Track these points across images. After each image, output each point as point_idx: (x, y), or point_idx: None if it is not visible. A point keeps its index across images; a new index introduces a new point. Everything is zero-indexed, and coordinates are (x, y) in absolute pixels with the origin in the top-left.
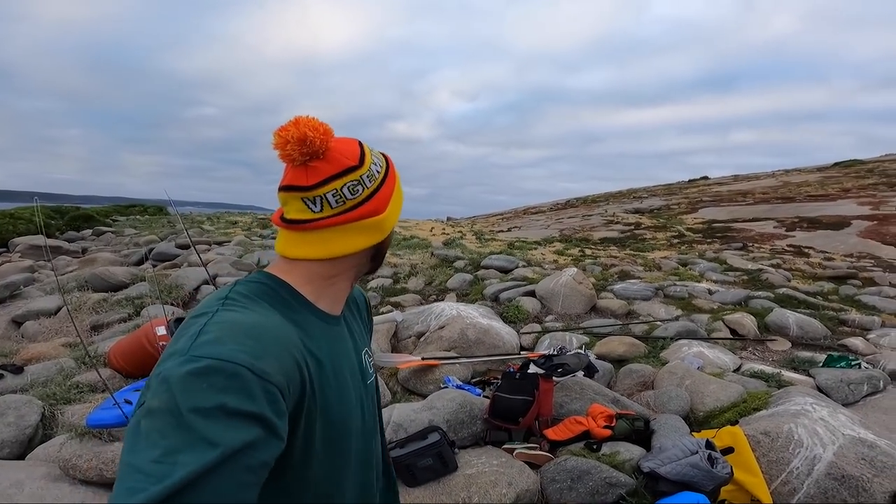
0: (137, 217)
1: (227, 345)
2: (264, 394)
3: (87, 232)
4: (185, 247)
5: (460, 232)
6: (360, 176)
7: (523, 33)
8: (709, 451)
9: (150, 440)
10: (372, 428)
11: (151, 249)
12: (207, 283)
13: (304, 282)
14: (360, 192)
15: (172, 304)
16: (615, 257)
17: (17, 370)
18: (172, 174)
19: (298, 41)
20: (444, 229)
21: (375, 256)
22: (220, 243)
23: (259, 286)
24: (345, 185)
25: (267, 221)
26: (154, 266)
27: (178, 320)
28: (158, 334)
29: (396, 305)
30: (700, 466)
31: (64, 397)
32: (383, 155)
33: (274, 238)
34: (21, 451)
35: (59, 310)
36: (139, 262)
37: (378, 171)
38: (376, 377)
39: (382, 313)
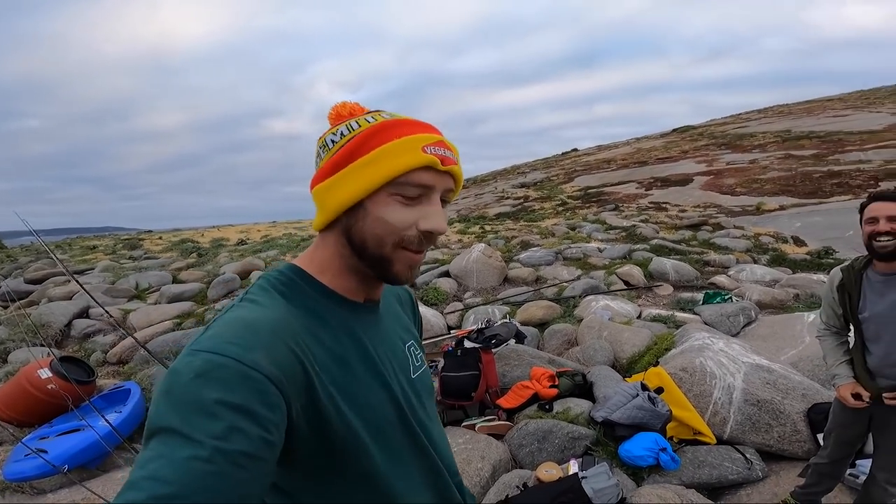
0: None
1: (221, 338)
2: (249, 384)
3: None
4: (36, 281)
5: None
6: (325, 138)
7: (404, 18)
8: (646, 392)
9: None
10: (423, 422)
11: None
12: (80, 317)
13: (317, 265)
14: (323, 155)
15: (42, 345)
16: (513, 229)
17: None
18: None
19: (146, 37)
20: None
21: (358, 248)
22: (80, 272)
23: (277, 277)
24: (319, 146)
25: (134, 241)
26: (5, 307)
27: (64, 359)
28: (42, 377)
29: None
30: (645, 407)
31: None
32: (377, 117)
33: (146, 258)
34: None
35: None
36: None
37: (346, 132)
38: (425, 371)
39: None
